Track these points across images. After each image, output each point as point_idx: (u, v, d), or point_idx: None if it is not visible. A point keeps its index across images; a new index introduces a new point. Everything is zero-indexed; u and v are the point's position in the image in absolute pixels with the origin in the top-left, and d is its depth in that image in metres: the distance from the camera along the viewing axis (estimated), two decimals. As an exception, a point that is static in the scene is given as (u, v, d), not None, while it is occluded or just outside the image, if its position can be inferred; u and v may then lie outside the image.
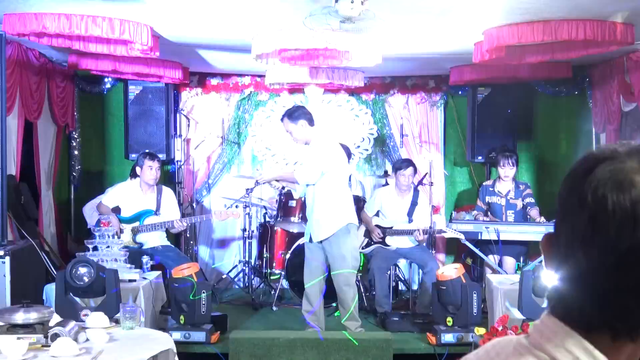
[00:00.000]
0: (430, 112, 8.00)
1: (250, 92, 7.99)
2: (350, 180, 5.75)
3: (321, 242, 5.54)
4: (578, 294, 0.87)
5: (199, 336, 5.24)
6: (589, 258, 0.84)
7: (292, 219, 6.89)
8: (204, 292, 5.21)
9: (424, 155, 7.72)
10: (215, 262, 8.07)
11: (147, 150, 6.58)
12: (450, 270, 5.41)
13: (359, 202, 6.57)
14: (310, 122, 5.54)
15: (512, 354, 0.91)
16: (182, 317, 5.25)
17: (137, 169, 6.33)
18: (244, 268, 7.51)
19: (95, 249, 5.18)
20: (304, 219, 6.84)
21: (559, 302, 0.90)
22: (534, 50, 5.61)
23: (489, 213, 6.62)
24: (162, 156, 7.03)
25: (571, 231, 0.87)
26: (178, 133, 7.87)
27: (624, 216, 0.82)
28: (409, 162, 6.70)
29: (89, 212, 6.93)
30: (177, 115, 7.88)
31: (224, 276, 7.79)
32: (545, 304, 0.88)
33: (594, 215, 0.84)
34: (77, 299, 4.38)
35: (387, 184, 7.29)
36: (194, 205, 7.24)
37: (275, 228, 7.06)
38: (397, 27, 5.04)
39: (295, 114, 5.57)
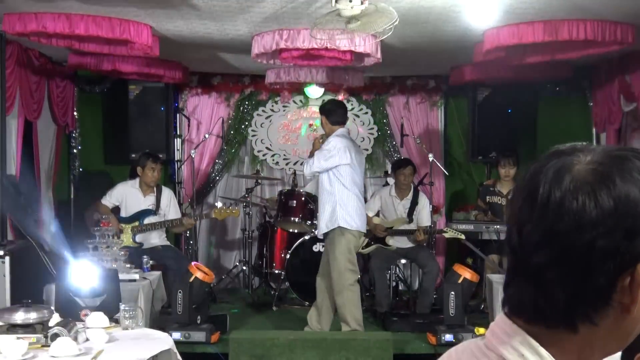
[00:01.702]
0: (430, 112, 8.00)
1: (250, 92, 7.98)
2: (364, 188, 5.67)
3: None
4: (514, 281, 0.89)
5: (199, 336, 5.23)
6: (520, 240, 0.86)
7: (292, 218, 6.89)
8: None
9: (424, 155, 7.72)
10: (215, 262, 8.07)
11: (147, 151, 6.55)
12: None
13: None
14: (329, 118, 5.63)
15: (469, 357, 0.92)
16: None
17: (139, 169, 6.30)
18: (244, 268, 7.51)
19: (95, 249, 5.18)
20: (304, 218, 6.86)
21: (507, 300, 0.91)
22: (534, 50, 5.61)
23: (489, 213, 6.62)
24: (162, 156, 7.02)
25: (510, 216, 0.90)
26: (178, 133, 7.87)
27: (551, 201, 0.84)
28: (407, 161, 6.71)
29: (91, 216, 6.90)
30: (177, 115, 7.88)
31: (224, 276, 7.79)
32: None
33: (526, 199, 0.87)
34: (77, 299, 4.37)
35: (387, 184, 7.29)
36: (194, 205, 7.23)
37: (275, 228, 7.07)
38: (396, 27, 5.03)
39: (323, 107, 5.80)
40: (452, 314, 5.26)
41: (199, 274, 5.21)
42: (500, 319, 0.92)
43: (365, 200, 6.89)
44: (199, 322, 5.28)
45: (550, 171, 0.86)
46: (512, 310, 0.90)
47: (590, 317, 0.84)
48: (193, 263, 5.49)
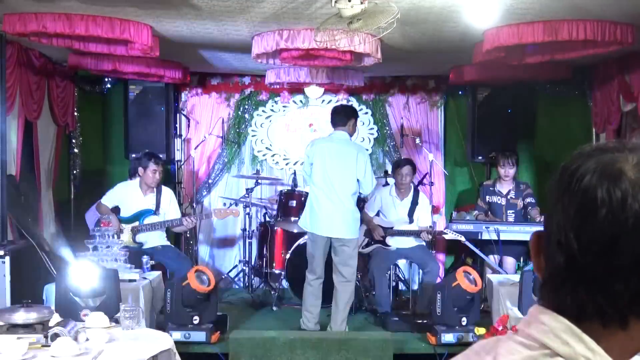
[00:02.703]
0: (430, 112, 8.00)
1: (250, 92, 7.99)
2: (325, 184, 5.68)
3: None
4: (569, 283, 0.88)
5: (199, 336, 5.24)
6: (580, 245, 0.86)
7: (292, 218, 6.89)
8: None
9: (424, 155, 7.72)
10: (215, 262, 8.07)
11: (148, 151, 6.54)
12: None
13: (360, 203, 6.57)
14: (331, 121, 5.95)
15: (497, 343, 0.92)
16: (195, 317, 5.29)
17: (140, 169, 6.27)
18: (244, 268, 7.51)
19: (95, 249, 5.18)
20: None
21: (548, 294, 0.91)
22: (534, 50, 5.61)
23: (489, 213, 6.62)
24: (162, 156, 7.02)
25: (563, 221, 0.88)
26: (178, 133, 7.88)
27: (613, 204, 0.84)
28: (407, 161, 6.70)
29: (91, 217, 6.90)
30: (177, 115, 7.88)
31: (223, 276, 7.79)
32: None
33: (583, 203, 0.86)
34: (77, 299, 4.37)
35: (387, 184, 7.29)
36: (194, 205, 7.24)
37: (275, 228, 7.07)
38: (396, 27, 5.03)
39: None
40: (438, 312, 5.36)
41: (192, 283, 5.15)
42: (535, 310, 0.92)
43: (365, 200, 6.90)
44: (195, 322, 5.26)
45: (600, 172, 0.86)
46: (553, 304, 0.90)
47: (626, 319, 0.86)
48: (195, 267, 5.38)
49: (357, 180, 5.67)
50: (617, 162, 0.86)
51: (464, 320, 5.33)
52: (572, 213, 0.87)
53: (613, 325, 0.87)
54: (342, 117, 5.82)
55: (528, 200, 6.48)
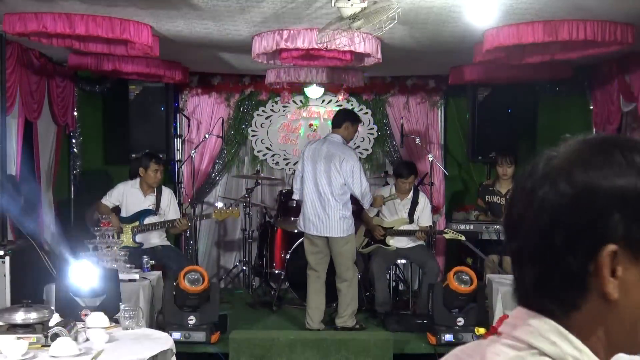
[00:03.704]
0: (430, 112, 8.00)
1: (250, 92, 7.99)
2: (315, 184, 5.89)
3: None
4: (523, 281, 0.92)
5: (199, 336, 5.23)
6: (521, 244, 0.91)
7: (292, 218, 6.89)
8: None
9: (424, 155, 7.72)
10: (215, 262, 8.07)
11: (149, 151, 6.54)
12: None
13: (359, 203, 6.57)
14: None
15: (478, 347, 0.94)
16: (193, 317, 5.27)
17: (141, 169, 6.26)
18: (244, 268, 7.51)
19: (95, 249, 5.18)
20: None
21: (516, 292, 0.94)
22: (534, 50, 5.61)
23: (488, 212, 6.62)
24: (162, 156, 7.02)
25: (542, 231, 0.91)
26: (178, 133, 7.87)
27: (528, 196, 0.90)
28: (409, 170, 6.58)
29: (91, 218, 6.89)
30: (177, 115, 7.88)
31: (223, 276, 7.80)
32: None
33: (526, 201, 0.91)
34: (77, 298, 4.37)
35: (387, 184, 7.29)
36: (194, 205, 7.24)
37: (275, 228, 7.07)
38: (396, 27, 5.04)
39: None
40: (431, 312, 5.42)
41: (181, 283, 5.14)
42: (517, 312, 0.93)
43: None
44: (191, 322, 5.24)
45: (533, 165, 0.93)
46: (519, 301, 0.93)
47: (567, 300, 0.87)
48: (188, 268, 5.35)
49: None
50: (546, 155, 0.93)
51: (460, 321, 5.31)
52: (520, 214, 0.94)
53: (552, 313, 0.89)
54: (337, 119, 6.10)
55: None
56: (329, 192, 5.82)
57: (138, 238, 6.18)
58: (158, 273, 5.67)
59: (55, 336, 3.34)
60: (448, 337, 5.25)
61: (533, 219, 0.88)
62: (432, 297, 5.44)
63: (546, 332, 0.88)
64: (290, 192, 7.04)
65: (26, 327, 3.43)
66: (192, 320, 5.25)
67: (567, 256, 0.86)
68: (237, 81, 7.92)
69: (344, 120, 6.04)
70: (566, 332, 0.87)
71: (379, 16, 3.97)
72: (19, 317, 3.43)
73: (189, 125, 7.93)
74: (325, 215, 5.81)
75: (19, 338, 3.32)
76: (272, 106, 8.07)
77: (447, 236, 6.34)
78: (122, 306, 3.95)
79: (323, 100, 8.05)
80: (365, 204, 6.04)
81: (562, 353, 0.86)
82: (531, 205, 0.89)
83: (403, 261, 7.01)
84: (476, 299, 5.38)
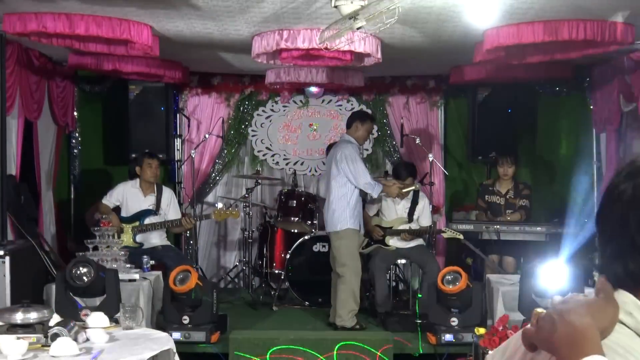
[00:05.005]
0: (430, 112, 7.99)
1: (250, 92, 7.98)
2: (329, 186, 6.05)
3: None
4: (605, 253, 1.06)
5: (199, 336, 5.23)
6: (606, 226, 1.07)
7: (292, 218, 6.90)
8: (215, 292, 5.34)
9: (424, 155, 7.71)
10: (215, 262, 8.07)
11: (146, 151, 6.58)
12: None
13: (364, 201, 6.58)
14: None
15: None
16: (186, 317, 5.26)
17: (137, 169, 6.33)
18: (244, 268, 7.51)
19: (95, 249, 5.18)
20: (304, 218, 6.89)
21: (599, 263, 1.08)
22: (534, 50, 5.61)
23: (488, 212, 6.62)
24: (162, 156, 7.03)
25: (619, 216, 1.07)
26: (178, 133, 7.87)
27: None
28: (409, 171, 6.60)
29: (91, 218, 6.89)
30: (177, 115, 7.88)
31: (223, 276, 7.79)
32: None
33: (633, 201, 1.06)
34: (77, 298, 4.38)
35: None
36: (194, 205, 7.24)
37: (275, 228, 7.07)
38: (396, 27, 5.04)
39: None
40: (424, 312, 5.50)
41: (170, 284, 5.15)
42: (601, 284, 1.04)
43: (366, 201, 6.90)
44: (185, 322, 5.23)
45: (623, 166, 1.12)
46: (618, 283, 1.04)
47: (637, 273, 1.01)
48: (179, 268, 5.32)
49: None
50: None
51: (454, 321, 5.28)
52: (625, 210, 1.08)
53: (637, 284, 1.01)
54: (348, 121, 6.32)
55: (522, 202, 6.47)
56: (331, 189, 5.99)
57: (138, 238, 6.19)
58: (158, 273, 5.67)
59: (55, 336, 3.34)
60: (448, 337, 5.24)
61: (615, 206, 1.07)
62: (429, 297, 5.45)
63: (625, 304, 0.98)
64: (291, 192, 7.09)
65: (26, 327, 3.43)
66: (185, 320, 5.24)
67: (637, 235, 1.02)
68: (237, 81, 7.92)
69: (352, 120, 6.22)
70: None
71: (379, 14, 3.96)
72: (19, 317, 3.43)
73: (189, 125, 7.93)
74: (326, 211, 6.04)
75: (19, 338, 3.31)
76: (272, 106, 8.07)
77: (445, 235, 6.34)
78: (122, 306, 3.95)
79: (323, 100, 8.05)
80: (374, 194, 6.04)
81: (637, 324, 0.97)
82: (615, 195, 1.07)
83: (403, 261, 7.01)
84: (471, 299, 5.33)
